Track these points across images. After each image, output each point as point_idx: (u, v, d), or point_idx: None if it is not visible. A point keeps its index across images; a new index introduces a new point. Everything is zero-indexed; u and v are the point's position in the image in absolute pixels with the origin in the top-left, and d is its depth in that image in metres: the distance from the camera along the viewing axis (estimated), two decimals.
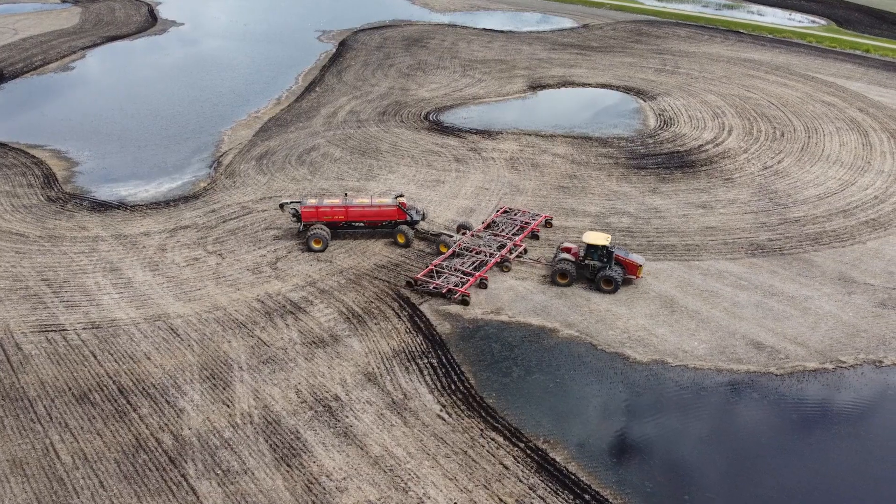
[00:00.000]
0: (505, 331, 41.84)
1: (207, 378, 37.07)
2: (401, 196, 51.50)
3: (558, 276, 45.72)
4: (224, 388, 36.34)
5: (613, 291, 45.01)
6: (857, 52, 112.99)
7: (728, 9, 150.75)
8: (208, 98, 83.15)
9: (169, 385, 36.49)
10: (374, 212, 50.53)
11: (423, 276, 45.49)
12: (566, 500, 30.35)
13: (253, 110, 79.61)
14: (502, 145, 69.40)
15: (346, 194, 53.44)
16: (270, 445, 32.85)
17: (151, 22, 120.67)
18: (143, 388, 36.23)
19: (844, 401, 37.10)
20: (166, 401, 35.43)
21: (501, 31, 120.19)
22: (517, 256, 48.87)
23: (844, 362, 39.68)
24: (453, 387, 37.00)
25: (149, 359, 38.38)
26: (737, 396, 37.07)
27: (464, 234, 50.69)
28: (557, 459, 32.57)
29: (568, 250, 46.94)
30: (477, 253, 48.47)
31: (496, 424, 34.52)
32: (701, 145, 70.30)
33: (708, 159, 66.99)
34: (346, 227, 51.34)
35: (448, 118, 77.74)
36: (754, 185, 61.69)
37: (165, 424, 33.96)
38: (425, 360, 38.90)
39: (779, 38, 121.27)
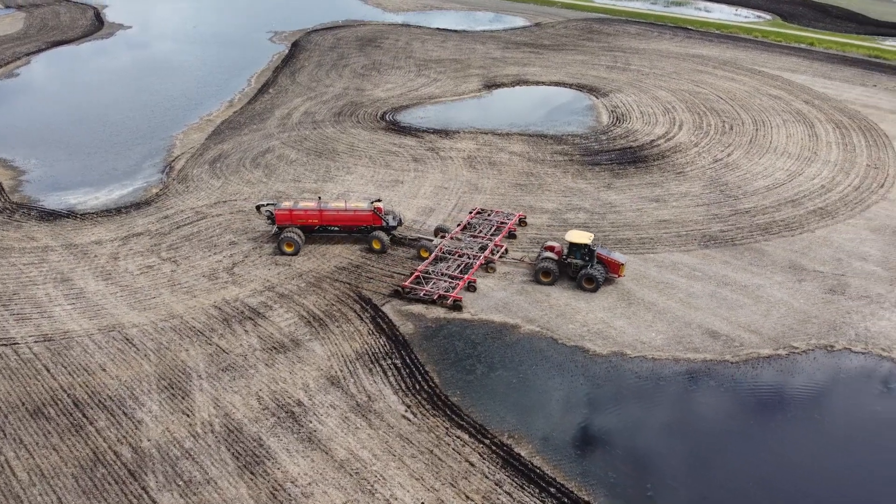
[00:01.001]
0: (467, 329, 42.00)
1: (165, 388, 36.38)
2: (377, 201, 50.77)
3: (541, 274, 45.87)
4: (183, 398, 35.71)
5: (595, 290, 45.24)
6: (802, 46, 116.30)
7: (676, 5, 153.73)
8: (159, 102, 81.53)
9: (126, 396, 35.70)
10: (349, 216, 49.79)
11: (411, 283, 45.00)
12: (532, 495, 30.64)
13: (205, 113, 78.34)
14: (460, 144, 69.61)
15: (319, 197, 52.52)
16: (233, 454, 32.40)
17: (98, 26, 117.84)
18: (100, 401, 35.37)
19: (798, 385, 38.19)
20: (124, 413, 34.66)
21: (455, 31, 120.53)
22: (500, 257, 48.88)
23: (797, 348, 40.85)
24: (418, 387, 37.01)
25: (104, 370, 37.49)
26: (694, 385, 37.89)
27: (442, 237, 50.34)
28: (522, 454, 32.84)
29: (552, 249, 47.20)
30: (460, 256, 48.29)
31: (461, 422, 34.64)
32: (653, 140, 71.57)
33: (660, 154, 68.24)
34: (320, 230, 50.66)
35: (405, 118, 77.66)
36: (705, 178, 63.07)
37: (124, 437, 33.23)
38: (389, 361, 38.82)
39: (726, 33, 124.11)
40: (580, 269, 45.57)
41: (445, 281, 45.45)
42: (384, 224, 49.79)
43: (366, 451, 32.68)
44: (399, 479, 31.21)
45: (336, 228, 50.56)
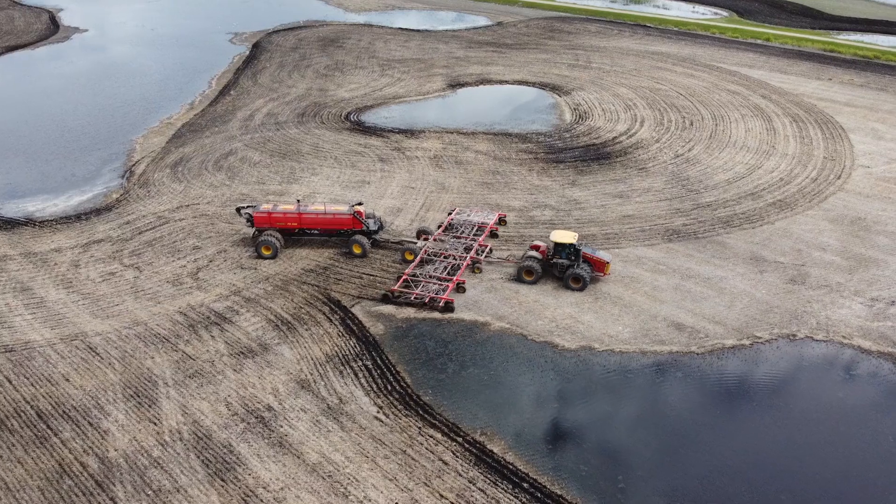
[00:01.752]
0: (438, 328, 42.04)
1: (131, 396, 35.74)
2: (359, 204, 50.20)
3: (524, 273, 45.95)
4: (150, 406, 35.12)
5: (582, 289, 45.42)
6: (758, 42, 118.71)
7: (635, 3, 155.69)
8: (117, 106, 79.98)
9: (91, 406, 34.98)
10: (329, 219, 49.04)
11: (399, 287, 44.61)
12: (505, 491, 30.81)
13: (165, 116, 77.10)
14: (426, 144, 69.62)
15: (298, 200, 51.60)
16: (202, 461, 31.97)
17: (53, 30, 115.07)
18: (64, 412, 34.61)
19: (763, 374, 39.03)
20: (89, 423, 33.96)
21: (418, 31, 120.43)
22: (486, 256, 48.75)
23: (760, 338, 41.74)
24: (389, 387, 36.94)
25: (68, 380, 36.68)
26: (662, 376, 38.47)
27: (426, 239, 49.92)
28: (495, 451, 33.00)
29: (537, 248, 47.36)
30: (446, 257, 48.06)
31: (434, 421, 34.67)
32: (615, 137, 72.43)
33: (622, 150, 69.10)
34: (299, 234, 50.03)
35: (370, 118, 77.39)
36: (667, 173, 64.04)
37: (90, 447, 32.56)
38: (360, 363, 38.67)
39: (684, 30, 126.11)
40: (566, 268, 45.68)
41: (434, 283, 45.12)
42: (365, 228, 49.11)
43: (338, 454, 32.52)
44: (372, 481, 31.12)
45: (316, 232, 49.92)
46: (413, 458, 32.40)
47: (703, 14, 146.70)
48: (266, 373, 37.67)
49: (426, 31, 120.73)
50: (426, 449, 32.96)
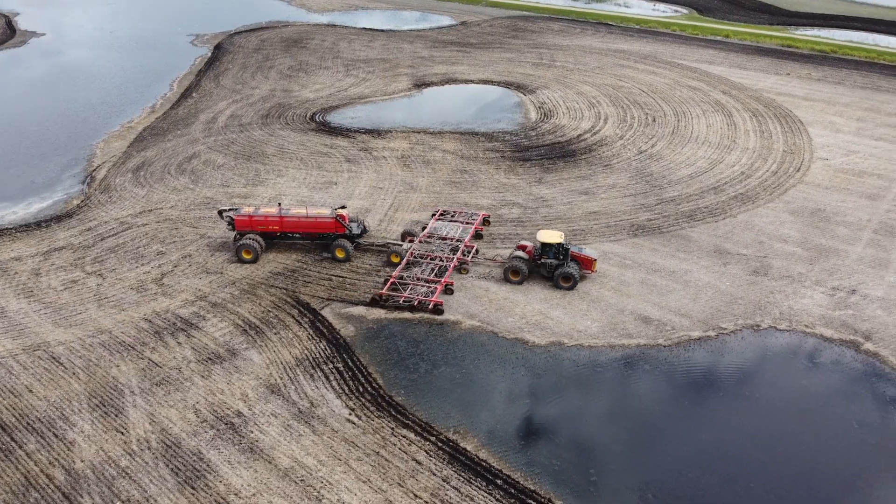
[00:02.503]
0: (409, 328, 41.99)
1: (97, 406, 35.07)
2: (342, 208, 49.57)
3: (510, 273, 45.90)
4: (116, 415, 34.50)
5: (572, 288, 45.51)
6: (718, 38, 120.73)
7: (597, 2, 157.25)
8: (77, 111, 78.38)
9: (56, 417, 34.24)
10: (310, 223, 48.29)
11: (388, 290, 44.12)
12: (479, 488, 30.92)
13: (126, 120, 75.79)
14: (393, 144, 69.47)
15: (280, 204, 50.82)
16: (172, 469, 31.51)
17: (9, 34, 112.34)
18: (28, 423, 33.81)
19: (729, 364, 39.73)
20: (54, 434, 33.24)
21: (382, 30, 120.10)
22: (473, 257, 48.47)
23: (725, 329, 42.49)
24: (361, 389, 36.80)
25: (31, 391, 35.85)
26: (630, 369, 38.95)
27: (411, 241, 49.45)
28: (468, 449, 33.09)
29: (523, 248, 47.36)
30: (432, 259, 47.79)
31: (406, 421, 34.64)
32: (580, 135, 73.09)
33: (587, 148, 69.76)
34: (281, 238, 49.36)
35: (335, 118, 76.97)
36: (631, 169, 64.83)
37: (56, 459, 31.87)
38: (330, 366, 38.44)
39: (645, 28, 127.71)
40: (555, 268, 45.74)
41: (423, 286, 44.80)
42: (347, 232, 48.46)
43: (310, 458, 32.31)
44: (346, 483, 30.99)
45: (297, 235, 49.23)
46: (386, 459, 32.33)
47: (664, 12, 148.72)
48: (235, 378, 37.25)
49: (390, 30, 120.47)
50: (399, 449, 32.91)
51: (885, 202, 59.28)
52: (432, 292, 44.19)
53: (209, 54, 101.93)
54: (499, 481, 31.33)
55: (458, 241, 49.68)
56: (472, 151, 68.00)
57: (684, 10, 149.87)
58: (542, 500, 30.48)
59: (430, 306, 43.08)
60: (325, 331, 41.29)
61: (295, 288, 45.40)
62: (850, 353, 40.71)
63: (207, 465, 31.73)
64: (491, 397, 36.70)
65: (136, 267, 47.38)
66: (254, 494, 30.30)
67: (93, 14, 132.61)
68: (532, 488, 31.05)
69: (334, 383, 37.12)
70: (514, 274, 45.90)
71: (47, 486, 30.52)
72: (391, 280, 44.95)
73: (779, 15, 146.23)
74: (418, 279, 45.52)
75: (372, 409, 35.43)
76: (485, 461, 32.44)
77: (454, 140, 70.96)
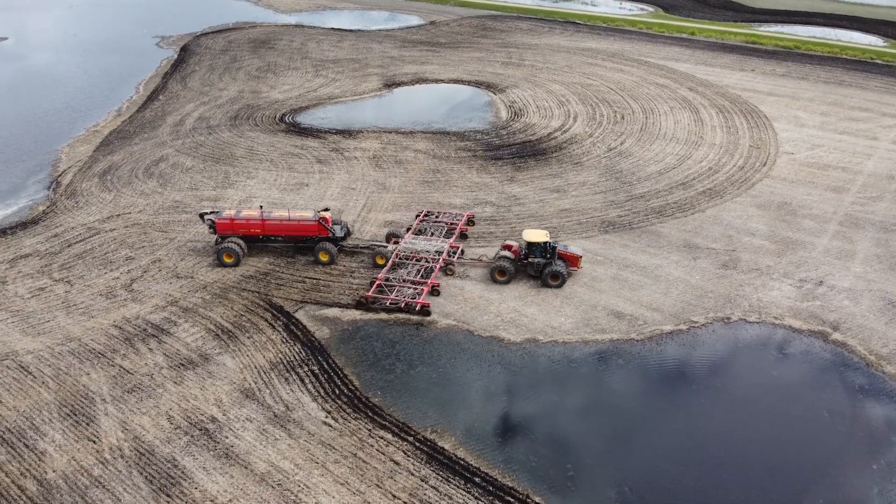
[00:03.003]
0: (385, 328, 41.88)
1: (68, 415, 34.42)
2: (325, 210, 49.00)
3: (497, 273, 45.82)
4: (88, 424, 33.90)
5: (561, 285, 45.63)
6: (684, 36, 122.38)
7: (564, 1, 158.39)
8: (41, 115, 76.82)
9: (26, 427, 33.51)
10: (293, 226, 47.63)
11: (374, 292, 43.74)
12: (458, 486, 30.95)
13: (91, 124, 74.52)
14: (364, 144, 69.23)
15: (261, 206, 50.00)
16: (146, 477, 31.05)
17: None
18: None
19: (700, 357, 40.29)
20: (25, 444, 32.53)
21: (350, 31, 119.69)
22: (458, 258, 48.27)
23: (696, 322, 43.08)
24: (337, 391, 36.61)
25: (0, 402, 35.13)
26: (604, 364, 39.31)
27: (396, 242, 49.08)
28: (446, 447, 33.11)
29: (509, 248, 47.37)
30: (418, 260, 47.48)
31: (384, 422, 34.54)
32: (550, 133, 73.55)
33: (557, 146, 70.23)
34: (263, 241, 48.71)
35: (305, 119, 76.49)
36: (601, 166, 65.41)
37: (27, 470, 31.20)
38: (306, 369, 38.19)
39: (612, 26, 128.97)
40: (543, 266, 45.84)
41: (409, 287, 44.52)
42: (331, 234, 47.97)
43: (287, 462, 32.07)
44: (323, 486, 30.81)
45: (280, 239, 48.61)
46: (364, 461, 32.22)
47: (630, 10, 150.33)
48: (208, 384, 36.82)
49: (359, 31, 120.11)
50: (377, 450, 32.82)
51: (849, 195, 60.60)
52: (419, 294, 44.06)
53: (175, 56, 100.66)
54: (477, 479, 31.41)
55: (442, 241, 49.51)
56: (444, 151, 68.04)
57: (650, 9, 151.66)
58: (520, 496, 30.63)
59: (416, 308, 42.93)
60: (299, 333, 41.01)
61: (268, 291, 45.02)
62: (818, 344, 41.52)
63: (182, 472, 31.33)
64: (468, 395, 36.77)
65: (105, 273, 46.60)
66: (230, 500, 29.98)
67: (56, 17, 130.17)
68: (510, 485, 31.19)
69: (310, 386, 36.88)
70: (501, 274, 45.90)
71: (19, 497, 29.88)
72: (377, 282, 44.66)
73: (743, 12, 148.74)
74: (404, 281, 45.30)
75: (348, 410, 35.28)
76: (463, 459, 32.49)
77: (426, 140, 70.94)
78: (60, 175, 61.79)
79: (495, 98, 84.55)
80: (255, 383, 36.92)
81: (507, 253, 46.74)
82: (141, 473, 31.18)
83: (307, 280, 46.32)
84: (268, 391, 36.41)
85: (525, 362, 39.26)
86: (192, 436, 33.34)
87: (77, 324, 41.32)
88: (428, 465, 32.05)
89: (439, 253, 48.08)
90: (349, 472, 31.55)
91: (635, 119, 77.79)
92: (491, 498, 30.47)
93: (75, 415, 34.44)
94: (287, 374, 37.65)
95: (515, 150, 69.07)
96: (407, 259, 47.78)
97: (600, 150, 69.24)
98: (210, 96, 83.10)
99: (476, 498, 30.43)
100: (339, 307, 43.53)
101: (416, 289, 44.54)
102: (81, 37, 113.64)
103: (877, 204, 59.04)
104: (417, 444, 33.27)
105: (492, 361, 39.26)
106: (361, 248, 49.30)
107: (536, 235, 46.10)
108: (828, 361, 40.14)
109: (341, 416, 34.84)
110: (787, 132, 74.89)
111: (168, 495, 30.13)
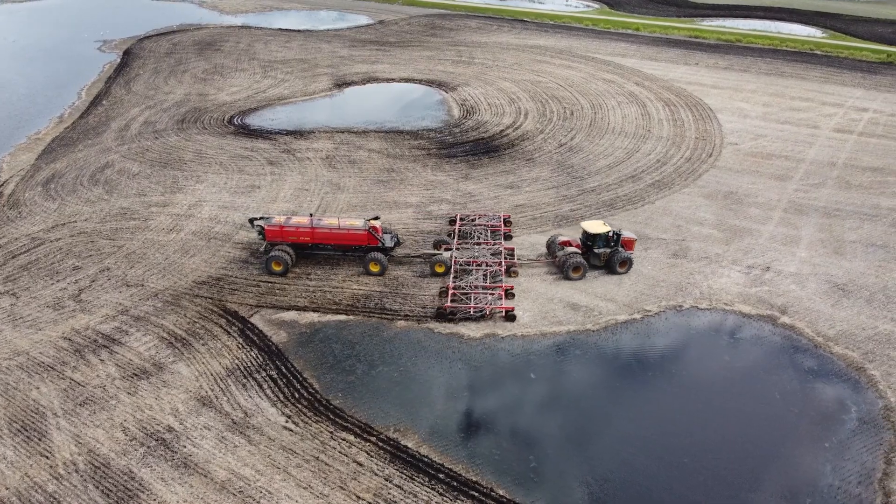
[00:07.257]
0: (343, 329, 41.61)
1: (18, 431, 33.33)
2: (375, 219, 48.14)
3: (572, 270, 46.20)
4: (40, 439, 32.88)
5: (628, 271, 47.13)
6: (629, 32, 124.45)
7: None
8: None
9: None
10: (342, 234, 46.62)
11: (452, 303, 42.69)
12: (422, 484, 30.98)
13: (33, 132, 72.19)
14: (316, 144, 68.61)
15: (311, 214, 48.75)
16: (102, 491, 30.27)
17: None
18: None
19: (655, 344, 41.10)
20: None
21: (298, 31, 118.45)
22: (520, 260, 48.10)
23: (650, 311, 43.92)
24: (297, 395, 36.25)
25: None
26: (563, 355, 39.80)
27: (447, 249, 48.37)
28: (409, 446, 33.09)
29: (569, 244, 47.90)
30: (478, 265, 46.87)
31: (346, 424, 34.34)
32: (502, 130, 74.05)
33: (510, 143, 70.75)
34: (311, 249, 47.74)
35: (254, 121, 75.44)
36: (553, 162, 66.14)
37: None
38: (263, 374, 37.71)
39: (559, 23, 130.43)
40: (611, 255, 46.88)
41: (486, 294, 43.82)
42: (380, 244, 47.02)
43: (248, 469, 31.63)
44: (286, 491, 30.49)
45: (328, 247, 47.70)
46: (327, 464, 31.98)
47: (577, 7, 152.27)
48: (163, 393, 36.07)
49: (307, 31, 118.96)
50: (339, 452, 32.62)
51: (792, 182, 62.53)
52: (498, 299, 43.65)
53: (118, 60, 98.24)
54: (441, 475, 31.48)
55: (493, 244, 49.47)
56: (397, 150, 67.90)
57: (596, 5, 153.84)
58: (485, 489, 30.81)
59: (503, 314, 42.51)
60: (255, 339, 40.46)
61: (221, 296, 44.30)
62: (768, 328, 42.76)
63: (140, 484, 30.64)
64: (430, 393, 36.81)
65: (52, 284, 45.23)
66: None
67: None
68: (474, 479, 31.34)
69: (268, 391, 36.44)
70: (576, 270, 46.53)
71: None
72: (451, 291, 43.81)
73: (685, 7, 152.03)
74: (476, 287, 44.70)
75: (309, 414, 34.97)
76: (426, 456, 32.52)
77: (379, 139, 70.69)
78: (2, 185, 59.70)
79: (447, 96, 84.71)
80: (212, 391, 36.31)
81: (573, 249, 47.38)
82: (97, 487, 30.40)
83: (262, 284, 45.72)
84: (225, 398, 35.84)
85: (485, 357, 39.49)
86: (148, 447, 32.63)
87: (24, 337, 40.03)
88: (392, 465, 31.99)
89: (497, 255, 48.00)
90: (312, 476, 31.29)
91: (584, 115, 78.84)
92: (456, 493, 30.59)
93: (26, 430, 33.39)
94: (244, 380, 37.13)
95: (469, 147, 69.35)
96: (467, 265, 47.17)
97: (551, 145, 70.00)
98: (155, 100, 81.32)
99: (441, 494, 30.52)
100: (297, 310, 43.09)
101: (493, 294, 44.02)
102: (21, 42, 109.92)
103: (819, 190, 61.05)
104: (380, 443, 33.18)
105: (452, 358, 39.37)
106: (413, 257, 48.35)
107: (596, 226, 47.13)
108: (778, 344, 41.36)
109: (302, 420, 34.52)
110: (732, 123, 76.88)
111: None
